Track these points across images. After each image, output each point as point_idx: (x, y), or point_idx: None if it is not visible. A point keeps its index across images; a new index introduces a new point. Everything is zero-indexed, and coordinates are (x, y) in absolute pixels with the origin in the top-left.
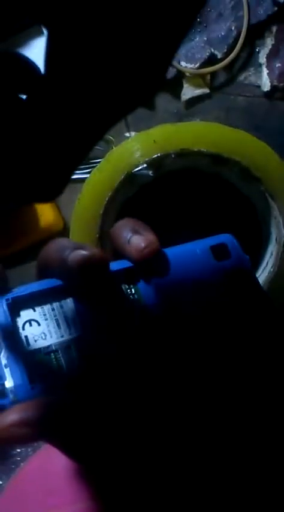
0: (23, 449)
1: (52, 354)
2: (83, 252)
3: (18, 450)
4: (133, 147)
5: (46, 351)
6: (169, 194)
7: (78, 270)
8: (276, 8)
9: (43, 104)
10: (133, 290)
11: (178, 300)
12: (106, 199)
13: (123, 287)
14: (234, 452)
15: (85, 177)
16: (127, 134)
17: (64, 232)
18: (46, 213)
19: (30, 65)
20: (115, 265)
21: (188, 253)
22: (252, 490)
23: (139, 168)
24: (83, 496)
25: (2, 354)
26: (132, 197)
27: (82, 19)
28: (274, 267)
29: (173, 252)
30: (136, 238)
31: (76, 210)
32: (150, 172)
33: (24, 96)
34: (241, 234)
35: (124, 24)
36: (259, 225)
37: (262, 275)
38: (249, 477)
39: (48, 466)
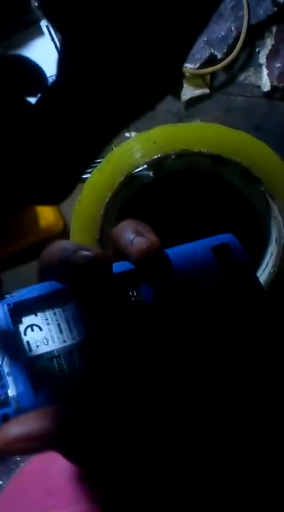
0: None
1: (54, 359)
2: (86, 253)
3: None
4: (133, 148)
5: (48, 356)
6: (169, 194)
7: (81, 271)
8: (276, 8)
9: (55, 108)
10: (134, 292)
11: (180, 301)
12: (107, 199)
13: (125, 289)
14: (234, 452)
15: (86, 178)
16: (127, 135)
17: (64, 232)
18: (46, 213)
19: (33, 66)
20: (117, 267)
21: (189, 254)
22: (252, 489)
23: (140, 168)
24: (82, 497)
25: (5, 361)
26: (132, 197)
27: (98, 26)
28: (274, 268)
29: (174, 253)
30: (138, 240)
31: (76, 211)
32: (151, 173)
33: (31, 100)
34: (241, 234)
35: (140, 29)
36: (259, 226)
37: (262, 276)
38: (249, 477)
39: (48, 467)
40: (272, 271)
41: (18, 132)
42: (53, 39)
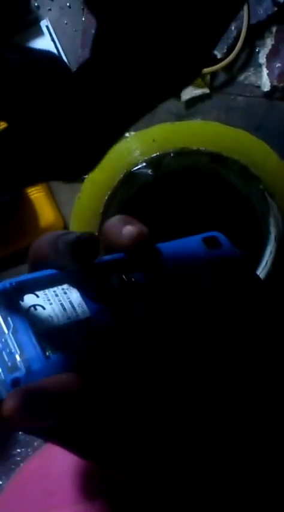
0: (23, 449)
1: (60, 333)
2: (74, 232)
3: (18, 450)
4: (132, 146)
5: (54, 330)
6: (168, 193)
7: (70, 250)
8: (276, 8)
9: (89, 81)
10: (129, 277)
11: (173, 288)
12: (106, 198)
13: (118, 274)
14: (234, 452)
15: (85, 176)
16: (126, 133)
17: None
18: (46, 213)
19: (57, 59)
20: (108, 257)
21: (181, 244)
22: (252, 489)
23: (139, 167)
24: (82, 497)
25: (11, 330)
26: (132, 196)
27: (130, 9)
28: (273, 266)
29: (166, 245)
30: (128, 228)
31: (75, 210)
32: (150, 171)
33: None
34: (240, 233)
35: (169, 15)
36: (258, 224)
37: (262, 274)
38: (249, 476)
39: (47, 467)
40: (271, 269)
41: (53, 101)
42: (52, 39)
